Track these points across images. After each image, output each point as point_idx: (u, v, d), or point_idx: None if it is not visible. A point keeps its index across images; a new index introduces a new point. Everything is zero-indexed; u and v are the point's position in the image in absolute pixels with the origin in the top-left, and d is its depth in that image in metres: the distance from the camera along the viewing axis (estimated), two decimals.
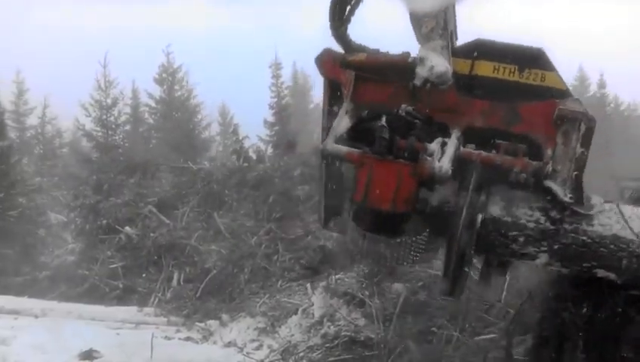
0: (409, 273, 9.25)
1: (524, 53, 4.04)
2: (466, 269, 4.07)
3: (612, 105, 41.64)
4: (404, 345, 8.25)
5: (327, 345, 9.20)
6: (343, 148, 3.98)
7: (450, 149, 3.82)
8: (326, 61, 4.34)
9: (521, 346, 5.85)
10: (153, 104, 30.95)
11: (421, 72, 3.83)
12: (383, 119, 3.91)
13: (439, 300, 8.28)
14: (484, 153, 3.93)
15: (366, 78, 4.13)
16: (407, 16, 3.97)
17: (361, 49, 4.28)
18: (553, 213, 3.88)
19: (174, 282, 13.11)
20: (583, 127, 3.80)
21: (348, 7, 4.23)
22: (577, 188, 3.86)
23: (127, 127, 30.82)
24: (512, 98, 3.99)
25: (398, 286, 9.25)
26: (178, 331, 11.29)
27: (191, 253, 13.58)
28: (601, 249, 3.84)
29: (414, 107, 4.00)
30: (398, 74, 4.00)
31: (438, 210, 4.00)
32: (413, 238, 3.94)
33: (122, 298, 12.98)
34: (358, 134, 4.12)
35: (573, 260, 3.92)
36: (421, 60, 3.85)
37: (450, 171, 3.74)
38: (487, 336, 7.45)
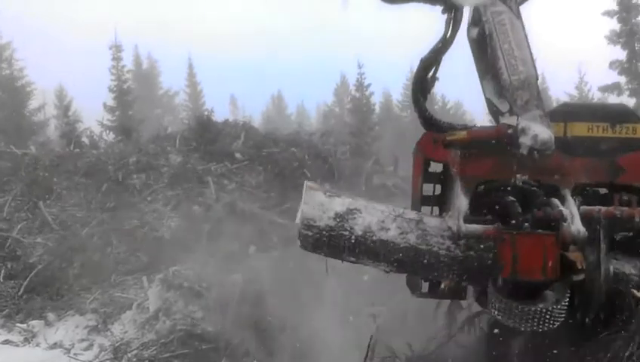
0: (244, 262, 9.22)
1: (611, 110, 4.62)
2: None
3: None
4: (242, 336, 8.22)
5: (162, 340, 8.89)
6: (479, 228, 4.19)
7: (574, 210, 4.15)
8: (426, 143, 4.65)
9: None
10: None
11: (526, 141, 4.06)
12: (508, 194, 4.23)
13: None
14: (603, 208, 4.32)
15: (470, 154, 4.37)
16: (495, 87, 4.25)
17: (443, 123, 4.41)
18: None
19: None
20: None
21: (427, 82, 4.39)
22: None
23: None
24: (610, 152, 4.46)
25: (235, 278, 9.15)
26: None
27: (13, 247, 12.39)
28: None
29: (525, 175, 4.30)
30: (500, 146, 4.22)
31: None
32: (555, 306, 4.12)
33: None
34: (477, 207, 4.37)
35: None
36: (523, 131, 4.06)
37: (586, 232, 4.06)
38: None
